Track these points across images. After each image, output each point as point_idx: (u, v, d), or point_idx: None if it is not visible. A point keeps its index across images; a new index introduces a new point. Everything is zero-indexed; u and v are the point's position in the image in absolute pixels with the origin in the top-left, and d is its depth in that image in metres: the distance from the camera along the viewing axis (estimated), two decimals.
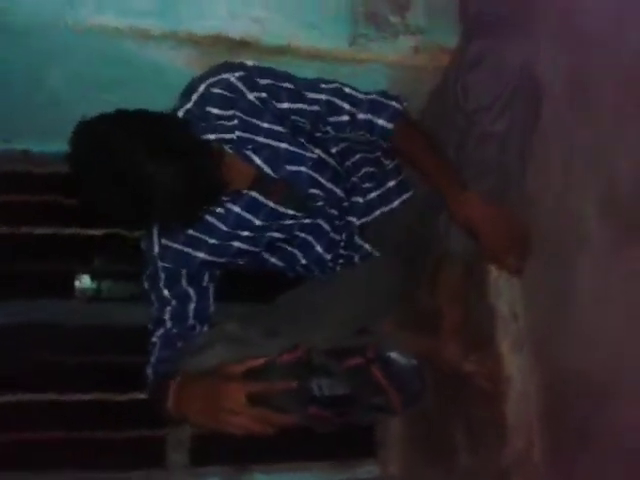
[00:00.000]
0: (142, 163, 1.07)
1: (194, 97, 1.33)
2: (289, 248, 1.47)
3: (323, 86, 1.39)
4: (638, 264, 1.03)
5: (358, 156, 1.53)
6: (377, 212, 1.51)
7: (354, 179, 1.52)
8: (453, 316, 1.41)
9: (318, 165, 1.42)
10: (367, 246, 1.51)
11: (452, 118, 1.37)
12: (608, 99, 1.14)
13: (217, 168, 1.18)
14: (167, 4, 1.40)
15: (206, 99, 1.32)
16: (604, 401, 1.11)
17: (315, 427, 1.13)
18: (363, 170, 1.52)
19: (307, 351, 1.16)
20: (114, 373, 1.84)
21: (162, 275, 1.37)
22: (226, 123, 1.32)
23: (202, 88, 1.33)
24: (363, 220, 1.51)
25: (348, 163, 1.53)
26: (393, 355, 1.19)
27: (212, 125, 1.31)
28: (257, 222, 1.38)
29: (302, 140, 1.40)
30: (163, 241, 1.36)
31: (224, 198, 1.33)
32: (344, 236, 1.50)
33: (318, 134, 1.44)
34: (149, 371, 1.35)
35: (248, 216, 1.37)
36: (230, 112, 1.32)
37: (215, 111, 1.31)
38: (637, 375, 1.03)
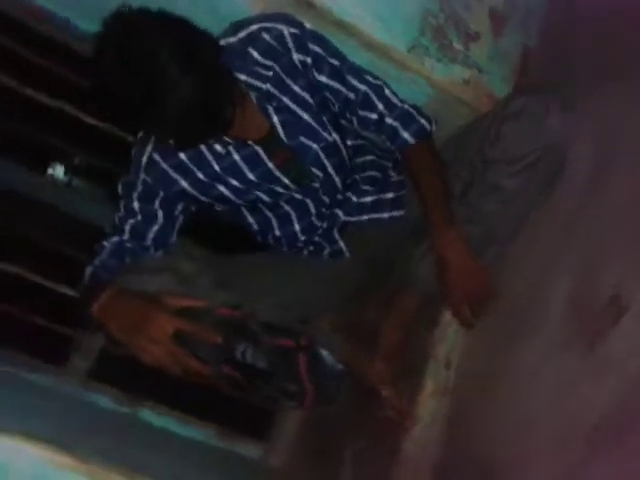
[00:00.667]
0: (165, 62, 1.06)
1: (242, 34, 1.31)
2: (269, 215, 1.46)
3: (367, 78, 1.39)
4: (585, 372, 1.04)
5: (369, 157, 1.53)
6: (365, 217, 1.51)
7: (357, 177, 1.51)
8: (392, 341, 1.41)
9: (330, 149, 1.41)
10: (342, 244, 1.51)
11: (470, 159, 1.37)
12: (622, 207, 1.15)
13: (232, 102, 1.17)
14: None
15: (252, 40, 1.30)
16: None
17: (221, 387, 1.12)
18: (368, 172, 1.52)
19: (246, 315, 1.15)
20: (54, 260, 1.80)
21: (139, 187, 1.35)
22: (261, 71, 1.30)
23: (254, 28, 1.31)
24: (349, 218, 1.50)
25: (357, 160, 1.52)
26: (323, 352, 1.18)
27: (247, 67, 1.29)
28: (250, 176, 1.36)
29: (324, 119, 1.39)
30: (155, 155, 1.33)
31: (228, 140, 1.31)
32: (325, 225, 1.49)
33: (342, 121, 1.44)
34: (88, 271, 1.32)
35: (244, 167, 1.35)
36: (269, 63, 1.31)
37: (256, 55, 1.30)
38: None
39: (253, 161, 1.36)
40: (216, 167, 1.35)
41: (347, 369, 1.23)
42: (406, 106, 1.42)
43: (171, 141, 1.23)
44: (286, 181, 1.39)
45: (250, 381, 1.11)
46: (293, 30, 1.32)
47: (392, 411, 1.32)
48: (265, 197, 1.41)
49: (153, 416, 1.66)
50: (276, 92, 1.33)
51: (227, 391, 1.13)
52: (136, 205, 1.35)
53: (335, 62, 1.37)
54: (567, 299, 1.15)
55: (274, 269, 1.47)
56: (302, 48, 1.33)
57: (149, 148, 1.34)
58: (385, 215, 1.50)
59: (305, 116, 1.36)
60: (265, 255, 1.50)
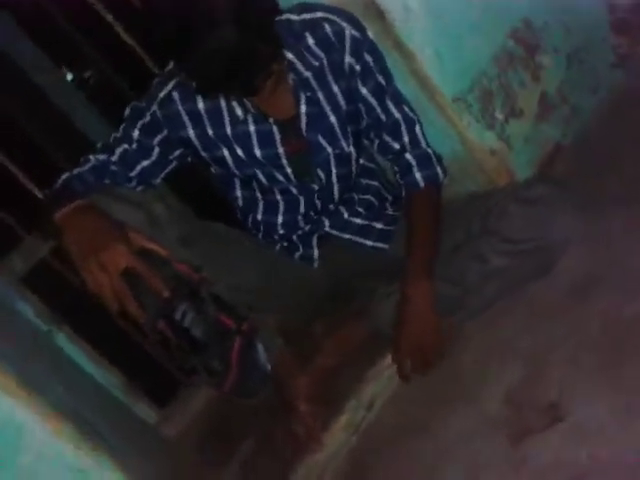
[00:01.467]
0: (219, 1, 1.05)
1: (305, 16, 1.30)
2: (258, 196, 1.44)
3: (405, 107, 1.38)
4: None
5: (374, 182, 1.52)
6: (348, 236, 1.49)
7: (355, 196, 1.49)
8: (328, 362, 1.39)
9: (342, 158, 1.39)
10: (316, 252, 1.49)
11: (469, 222, 1.37)
12: (591, 326, 1.15)
13: (268, 70, 1.16)
14: None
15: (313, 25, 1.29)
16: None
17: (150, 341, 1.09)
18: (368, 196, 1.51)
19: (202, 280, 1.11)
20: (37, 157, 1.74)
21: (147, 118, 1.31)
22: (309, 58, 1.29)
23: (319, 15, 1.29)
24: (332, 231, 1.48)
25: (362, 181, 1.50)
26: (259, 346, 1.16)
27: (298, 49, 1.28)
28: (256, 152, 1.34)
29: (349, 129, 1.38)
30: (174, 93, 1.30)
31: (250, 109, 1.29)
32: (307, 228, 1.47)
33: (364, 138, 1.43)
34: (64, 176, 1.28)
35: (254, 141, 1.33)
36: (320, 53, 1.29)
37: (310, 41, 1.28)
38: None
39: (265, 139, 1.34)
40: (228, 130, 1.32)
41: (274, 372, 1.21)
42: (429, 150, 1.41)
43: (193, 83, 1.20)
44: (288, 171, 1.37)
45: (179, 345, 1.07)
46: (355, 33, 1.31)
47: (302, 429, 1.29)
48: (262, 178, 1.38)
49: (67, 343, 1.60)
50: (314, 83, 1.32)
51: (152, 347, 1.09)
52: (136, 133, 1.31)
53: (381, 80, 1.36)
54: (512, 386, 1.13)
55: (241, 249, 1.44)
56: (356, 53, 1.31)
57: (171, 84, 1.31)
58: (368, 242, 1.48)
59: (332, 118, 1.35)
60: (238, 233, 1.47)
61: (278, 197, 1.43)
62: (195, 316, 1.08)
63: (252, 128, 1.33)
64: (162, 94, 1.30)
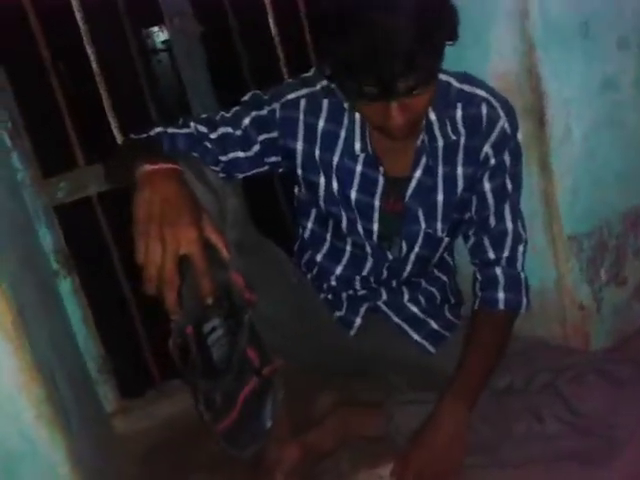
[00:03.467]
0: (403, 7, 0.94)
1: (465, 87, 1.22)
2: (327, 237, 1.32)
3: (518, 223, 1.28)
4: None
5: (444, 279, 1.40)
6: (398, 320, 1.36)
7: (423, 283, 1.37)
8: (324, 441, 1.23)
9: (431, 241, 1.29)
10: (358, 321, 1.35)
11: (534, 373, 1.22)
12: None
13: (433, 81, 1.04)
14: None
15: (468, 100, 1.20)
16: None
17: (172, 340, 0.94)
18: (433, 288, 1.38)
19: (250, 302, 0.98)
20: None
21: (264, 112, 1.20)
22: (449, 129, 1.21)
23: (479, 93, 1.21)
24: (384, 308, 1.36)
25: (435, 272, 1.38)
26: (270, 398, 1.01)
27: (443, 115, 1.20)
28: (351, 192, 1.24)
29: (452, 216, 1.26)
30: (302, 101, 1.20)
31: (369, 149, 1.19)
32: (360, 293, 1.35)
33: (460, 232, 1.32)
34: (156, 130, 1.17)
35: (355, 181, 1.23)
36: (462, 130, 1.21)
37: (459, 114, 1.20)
38: None
39: (367, 185, 1.23)
40: (335, 158, 1.22)
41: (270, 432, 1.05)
42: (522, 274, 1.29)
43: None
44: (374, 228, 1.26)
45: (195, 360, 0.92)
46: (507, 127, 1.21)
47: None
48: (343, 221, 1.27)
49: (68, 292, 1.46)
50: (441, 155, 1.22)
51: (170, 346, 0.94)
52: (246, 121, 1.20)
53: (509, 185, 1.25)
54: None
55: (287, 283, 1.30)
56: (498, 147, 1.22)
57: (303, 91, 1.21)
58: (415, 336, 1.35)
59: (440, 196, 1.24)
60: (291, 266, 1.33)
61: (347, 247, 1.32)
62: (223, 337, 0.94)
63: (359, 168, 1.22)
64: (290, 96, 1.21)
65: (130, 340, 1.60)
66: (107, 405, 1.51)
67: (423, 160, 1.22)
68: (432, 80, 1.03)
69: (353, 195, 1.24)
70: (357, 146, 1.20)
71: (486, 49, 1.30)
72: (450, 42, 1.03)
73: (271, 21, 1.55)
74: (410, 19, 0.94)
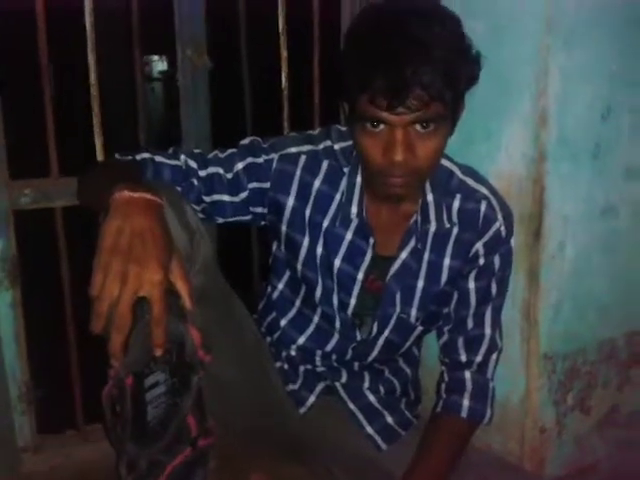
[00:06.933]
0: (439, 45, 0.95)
1: (468, 181, 1.19)
2: (297, 303, 1.25)
3: (496, 331, 1.23)
4: None
5: (407, 372, 1.32)
6: (353, 407, 1.27)
7: (385, 372, 1.29)
8: None
9: (402, 326, 1.22)
10: (311, 400, 1.26)
11: None
12: None
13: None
14: None
15: (469, 194, 1.18)
16: None
17: (107, 387, 0.83)
18: (395, 379, 1.30)
19: (202, 364, 0.88)
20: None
21: (260, 159, 1.14)
22: (444, 217, 1.16)
23: (481, 190, 1.18)
24: (341, 392, 1.27)
25: (400, 363, 1.31)
26: (199, 473, 0.90)
27: (440, 201, 1.16)
28: (335, 260, 1.17)
29: (429, 308, 1.21)
30: (302, 157, 1.15)
31: (364, 218, 1.14)
32: (319, 369, 1.27)
33: (434, 326, 1.26)
34: (143, 155, 1.09)
35: (342, 249, 1.17)
36: (456, 221, 1.17)
37: (456, 205, 1.18)
38: None
39: (352, 256, 1.17)
40: (325, 222, 1.17)
41: None
42: (491, 384, 1.23)
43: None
44: (351, 302, 1.19)
45: (127, 417, 0.81)
46: (502, 231, 1.18)
47: None
48: (318, 289, 1.20)
49: (4, 304, 1.33)
50: (430, 241, 1.17)
51: (103, 394, 0.83)
52: (239, 166, 1.14)
53: (493, 289, 1.21)
54: None
55: (241, 342, 1.20)
56: (490, 248, 1.18)
57: (305, 148, 1.17)
58: (368, 429, 1.26)
59: (420, 283, 1.19)
60: (251, 325, 1.24)
61: (315, 318, 1.24)
62: (163, 395, 0.84)
63: (349, 236, 1.17)
64: (291, 150, 1.15)
65: (60, 372, 1.45)
66: (20, 438, 1.36)
67: (412, 242, 1.17)
68: (442, 122, 1.00)
69: (337, 263, 1.17)
70: (353, 209, 1.14)
71: (495, 148, 1.28)
72: (470, 85, 1.02)
73: (283, 75, 1.51)
74: (440, 44, 0.95)
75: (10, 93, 1.37)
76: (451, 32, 0.98)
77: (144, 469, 0.83)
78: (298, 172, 1.15)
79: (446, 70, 0.95)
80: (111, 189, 0.86)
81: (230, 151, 1.17)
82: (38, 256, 1.47)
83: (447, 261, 1.18)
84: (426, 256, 1.18)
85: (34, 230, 1.44)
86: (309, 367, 1.27)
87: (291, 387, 1.26)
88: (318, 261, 1.18)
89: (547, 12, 1.16)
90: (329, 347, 1.25)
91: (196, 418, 0.88)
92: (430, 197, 1.15)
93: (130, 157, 1.07)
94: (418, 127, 0.99)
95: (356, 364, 1.27)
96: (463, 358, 1.22)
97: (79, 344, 1.43)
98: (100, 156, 1.36)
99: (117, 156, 1.10)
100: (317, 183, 1.16)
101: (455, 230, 1.17)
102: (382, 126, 0.99)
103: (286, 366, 1.27)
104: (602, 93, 1.24)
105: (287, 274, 1.25)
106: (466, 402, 1.20)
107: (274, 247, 1.27)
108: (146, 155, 1.09)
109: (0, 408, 1.26)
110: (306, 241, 1.18)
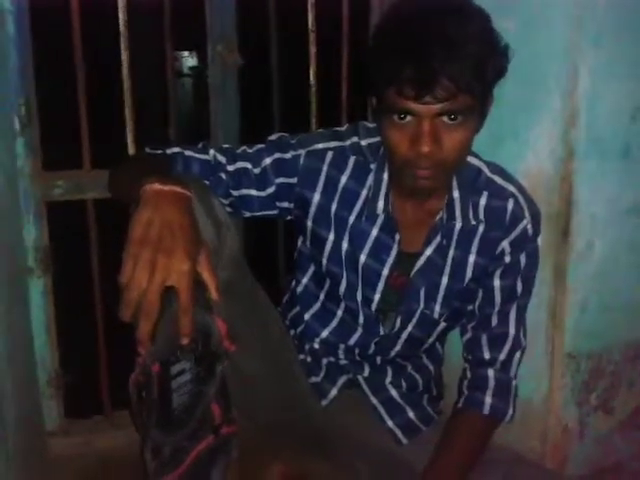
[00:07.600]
0: (470, 41, 0.96)
1: (496, 179, 1.18)
2: (321, 296, 1.26)
3: (520, 330, 1.22)
4: None
5: (430, 367, 1.32)
6: (374, 401, 1.27)
7: (409, 368, 1.30)
8: None
9: (425, 321, 1.22)
10: (334, 392, 1.27)
11: None
12: None
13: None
14: None
15: (496, 192, 1.17)
16: None
17: (134, 374, 0.85)
18: (418, 375, 1.31)
19: (227, 353, 0.90)
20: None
21: (288, 155, 1.16)
22: (470, 214, 1.16)
23: (508, 188, 1.17)
24: (363, 385, 1.27)
25: (422, 357, 1.31)
26: (221, 461, 0.92)
27: (467, 198, 1.16)
28: (361, 255, 1.18)
29: (453, 304, 1.21)
30: (329, 153, 1.16)
31: (390, 213, 1.15)
32: (341, 362, 1.27)
33: (457, 323, 1.26)
34: (173, 149, 1.12)
35: (367, 244, 1.18)
36: (483, 219, 1.17)
37: (483, 202, 1.17)
38: None
39: (378, 251, 1.18)
40: (351, 217, 1.17)
41: None
42: (514, 382, 1.22)
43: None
44: (375, 297, 1.19)
45: (153, 404, 0.83)
46: (529, 229, 1.17)
47: None
48: (343, 284, 1.21)
49: (36, 291, 1.37)
50: (456, 238, 1.17)
51: (130, 381, 0.85)
52: (267, 162, 1.15)
53: (519, 287, 1.20)
54: None
55: (266, 336, 1.22)
56: (516, 246, 1.17)
57: (333, 144, 1.18)
58: (389, 423, 1.26)
59: (444, 279, 1.19)
60: (276, 317, 1.25)
61: (339, 312, 1.25)
62: (189, 383, 0.85)
63: (375, 232, 1.17)
64: (319, 146, 1.16)
65: (89, 359, 1.50)
66: (48, 422, 1.40)
67: (437, 238, 1.17)
68: (470, 115, 1.00)
69: (362, 258, 1.18)
70: (380, 205, 1.15)
71: (523, 146, 1.28)
72: (499, 78, 1.02)
73: (312, 71, 1.52)
74: (469, 37, 0.96)
75: (45, 87, 1.40)
76: (479, 25, 0.99)
77: (168, 455, 0.85)
78: (325, 168, 1.16)
79: (474, 62, 0.96)
80: (142, 182, 0.88)
81: (258, 146, 1.18)
82: (70, 246, 1.51)
83: (472, 258, 1.18)
84: (451, 253, 1.18)
85: (66, 221, 1.48)
86: (332, 360, 1.28)
87: (314, 379, 1.28)
88: (343, 256, 1.19)
89: (577, 11, 1.16)
90: (352, 341, 1.26)
91: (220, 406, 0.89)
92: (456, 194, 1.16)
93: (160, 151, 1.10)
94: (445, 119, 0.99)
95: (379, 358, 1.27)
96: (486, 356, 1.22)
97: (107, 331, 1.47)
98: (131, 150, 1.39)
99: (148, 150, 1.13)
100: (344, 179, 1.17)
101: (481, 227, 1.17)
102: (409, 118, 1.00)
103: (309, 359, 1.28)
104: (632, 92, 1.23)
105: (312, 269, 1.27)
106: (488, 399, 1.20)
107: (299, 242, 1.28)
108: (176, 149, 1.11)
109: (28, 392, 1.29)
110: (332, 236, 1.19)
